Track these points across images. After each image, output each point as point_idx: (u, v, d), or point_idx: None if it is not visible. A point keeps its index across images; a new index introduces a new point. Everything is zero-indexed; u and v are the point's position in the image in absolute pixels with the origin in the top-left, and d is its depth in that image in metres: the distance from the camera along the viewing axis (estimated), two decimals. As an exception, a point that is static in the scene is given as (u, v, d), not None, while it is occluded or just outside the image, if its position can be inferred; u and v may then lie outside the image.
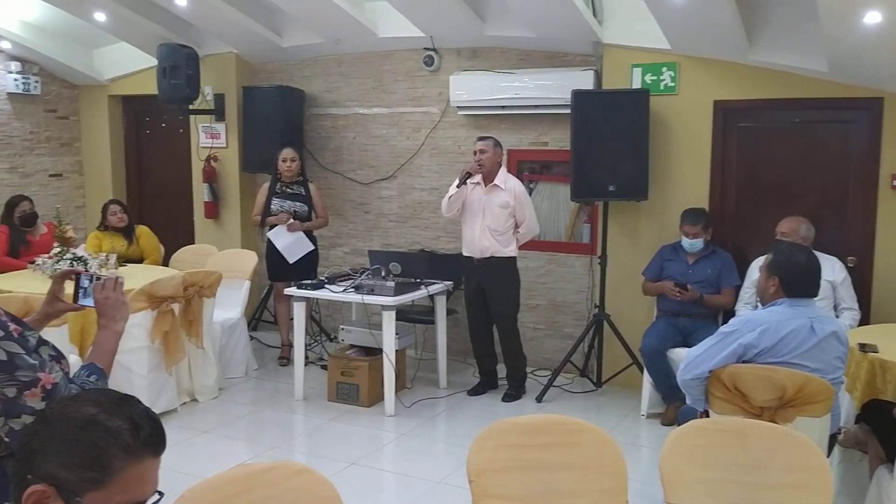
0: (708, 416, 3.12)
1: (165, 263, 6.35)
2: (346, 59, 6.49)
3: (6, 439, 1.60)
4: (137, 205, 7.52)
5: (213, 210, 7.01)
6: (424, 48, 6.05)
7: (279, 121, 6.37)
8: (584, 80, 5.39)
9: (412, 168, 6.35)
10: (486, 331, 5.39)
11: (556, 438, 2.38)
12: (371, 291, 4.99)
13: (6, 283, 4.99)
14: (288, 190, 5.84)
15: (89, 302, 1.94)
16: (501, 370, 5.49)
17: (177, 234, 7.07)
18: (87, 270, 2.01)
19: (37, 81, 7.21)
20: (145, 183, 7.85)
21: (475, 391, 5.40)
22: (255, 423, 5.01)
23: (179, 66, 6.21)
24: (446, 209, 5.21)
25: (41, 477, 1.18)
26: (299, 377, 5.27)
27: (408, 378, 5.56)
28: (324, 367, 5.71)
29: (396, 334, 4.99)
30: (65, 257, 5.31)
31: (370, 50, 6.30)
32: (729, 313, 4.86)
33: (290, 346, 6.04)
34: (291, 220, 5.74)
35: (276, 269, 5.90)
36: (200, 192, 7.04)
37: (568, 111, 5.27)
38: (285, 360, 6.07)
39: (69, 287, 2.00)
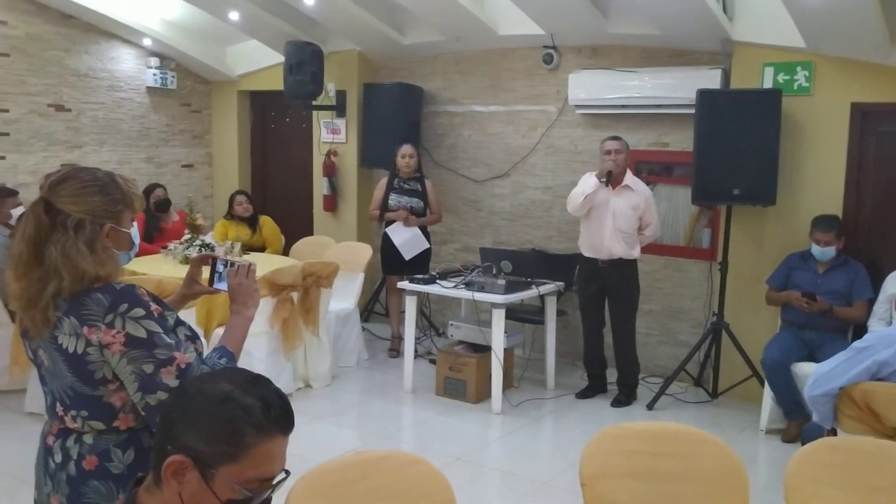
0: (835, 434, 2.95)
1: (285, 253, 6.60)
2: (465, 56, 6.53)
3: (143, 413, 1.70)
4: (260, 196, 7.83)
5: (331, 203, 7.22)
6: (544, 46, 6.00)
7: (398, 117, 6.49)
8: (711, 78, 5.20)
9: (526, 166, 6.32)
10: (600, 335, 5.29)
11: (674, 448, 2.30)
12: (481, 289, 4.99)
13: (140, 267, 5.30)
14: (405, 186, 5.93)
15: (223, 286, 2.02)
16: (611, 375, 5.38)
17: (296, 226, 7.32)
18: (222, 256, 2.10)
19: (173, 77, 7.63)
20: (269, 175, 8.17)
21: (583, 394, 5.32)
22: (365, 412, 5.12)
23: (305, 62, 6.43)
24: (578, 208, 5.01)
25: (180, 448, 1.24)
26: (408, 370, 5.35)
27: (515, 377, 5.54)
28: (432, 362, 5.78)
29: (505, 333, 4.98)
30: (194, 243, 5.59)
31: (489, 48, 6.31)
32: (860, 328, 4.58)
33: (401, 338, 6.14)
34: (409, 216, 5.83)
35: (390, 262, 6.01)
36: (320, 186, 7.26)
37: (691, 111, 5.10)
38: (395, 352, 6.18)
39: (206, 271, 2.09)
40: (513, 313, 5.50)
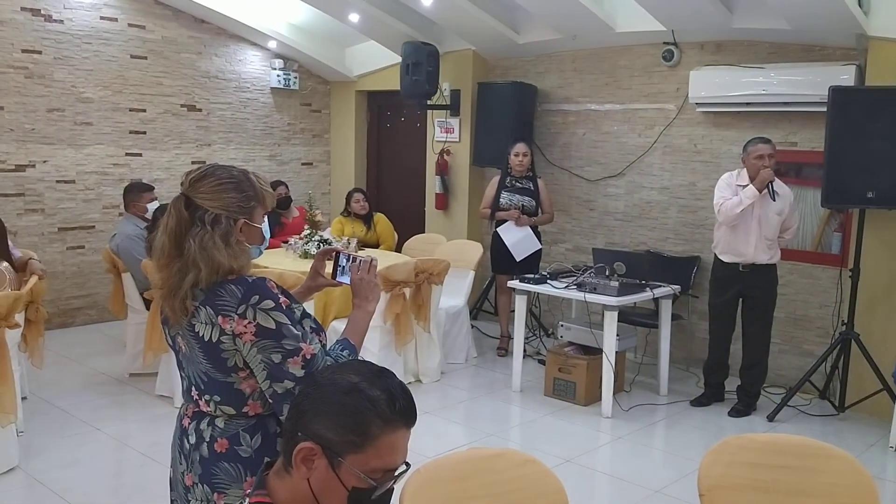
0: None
1: (398, 250, 6.73)
2: (581, 54, 6.45)
3: (270, 400, 1.77)
4: (375, 193, 8.01)
5: (443, 201, 7.30)
6: (664, 42, 5.84)
7: (511, 116, 6.49)
8: (844, 75, 4.92)
9: (642, 166, 6.18)
10: (729, 341, 5.10)
11: (799, 461, 2.19)
12: (594, 290, 4.92)
13: (262, 260, 5.52)
14: (517, 184, 5.92)
15: (346, 279, 2.08)
16: (729, 383, 5.18)
17: (408, 223, 7.45)
18: (345, 250, 2.16)
19: (295, 77, 7.92)
20: (383, 173, 8.35)
21: (699, 402, 5.15)
22: (473, 409, 5.15)
23: (421, 62, 6.53)
24: (731, 218, 4.76)
25: (309, 435, 1.29)
26: (517, 369, 5.34)
27: (626, 381, 5.43)
28: (541, 362, 5.75)
29: (617, 335, 4.89)
30: (313, 239, 5.79)
31: (606, 45, 6.20)
32: None
33: (509, 337, 6.14)
34: (520, 215, 5.82)
35: (501, 261, 6.01)
36: (433, 184, 7.35)
37: (821, 109, 4.84)
38: (503, 350, 6.18)
39: (329, 265, 2.16)
40: (625, 316, 5.38)
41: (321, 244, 5.75)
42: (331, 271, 2.11)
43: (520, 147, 5.88)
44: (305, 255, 5.71)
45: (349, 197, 6.71)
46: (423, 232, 7.34)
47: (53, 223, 6.46)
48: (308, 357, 1.74)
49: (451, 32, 6.84)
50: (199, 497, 1.82)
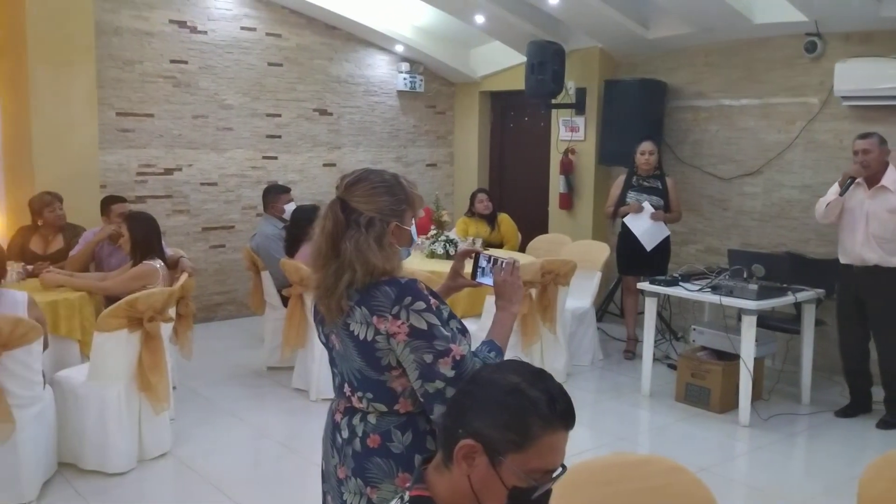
0: None
1: (521, 250, 6.72)
2: (715, 48, 6.22)
3: (421, 399, 1.82)
4: (498, 194, 8.03)
5: (567, 201, 7.23)
6: (806, 33, 5.55)
7: (639, 114, 6.35)
8: None
9: (781, 163, 5.89)
10: (860, 347, 4.81)
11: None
12: (730, 293, 4.73)
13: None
14: (644, 183, 5.78)
15: (486, 280, 2.10)
16: (877, 392, 4.87)
17: (532, 223, 7.43)
18: (485, 251, 2.17)
19: (421, 80, 8.06)
20: (506, 173, 8.36)
21: (844, 413, 4.86)
22: (600, 413, 5.07)
23: (546, 62, 6.49)
24: (823, 216, 4.71)
25: (471, 433, 1.31)
26: (647, 372, 5.22)
27: (764, 389, 5.20)
28: (670, 366, 5.59)
29: (756, 341, 4.69)
30: (439, 239, 5.88)
31: (742, 37, 5.96)
32: None
33: (636, 340, 6.01)
34: (641, 207, 5.67)
35: (628, 261, 5.89)
36: (556, 184, 7.30)
37: None
38: (630, 353, 6.06)
39: (468, 265, 2.18)
40: (762, 321, 5.15)
41: (447, 244, 5.82)
42: (470, 272, 2.13)
43: (646, 145, 5.74)
44: (432, 254, 5.80)
45: (473, 197, 6.76)
46: (547, 232, 7.30)
47: (197, 223, 6.86)
48: (458, 358, 1.77)
49: (577, 30, 6.76)
50: (352, 490, 1.88)
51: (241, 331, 6.76)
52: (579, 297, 5.84)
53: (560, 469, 1.35)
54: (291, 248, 5.20)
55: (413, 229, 1.96)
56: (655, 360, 5.62)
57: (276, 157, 7.26)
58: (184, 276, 4.54)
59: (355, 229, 1.83)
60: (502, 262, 2.06)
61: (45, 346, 3.63)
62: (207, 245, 6.93)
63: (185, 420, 4.60)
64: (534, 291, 5.21)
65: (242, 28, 6.90)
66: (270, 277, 5.59)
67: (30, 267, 4.61)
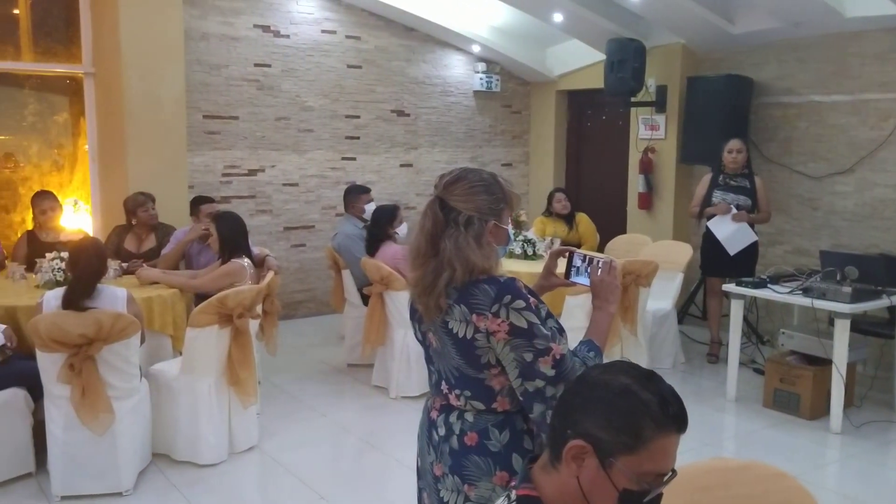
0: None
1: (600, 250, 6.63)
2: (803, 43, 6.01)
3: (520, 398, 1.81)
4: (574, 193, 7.94)
5: (646, 201, 7.11)
6: (903, 26, 5.32)
7: (723, 111, 6.19)
8: None
9: (874, 161, 5.66)
10: None
11: None
12: (822, 296, 4.57)
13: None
14: (731, 182, 5.62)
15: (581, 280, 2.09)
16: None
17: (609, 223, 7.32)
18: (578, 250, 2.15)
19: (497, 80, 8.05)
20: (582, 173, 8.28)
21: (944, 422, 4.64)
22: (683, 417, 4.96)
23: (627, 59, 6.39)
24: None
25: (580, 433, 1.30)
26: (732, 377, 5.08)
27: (856, 395, 5.00)
28: (757, 371, 5.44)
29: (848, 345, 4.51)
30: (517, 238, 5.86)
31: (833, 31, 5.74)
32: None
33: (720, 343, 5.87)
34: (729, 208, 5.52)
35: (712, 262, 5.74)
36: (635, 183, 7.18)
37: None
38: (714, 357, 5.91)
39: (561, 264, 2.17)
40: (854, 324, 4.94)
41: (525, 244, 5.80)
42: (563, 271, 2.12)
43: (734, 143, 5.58)
44: (510, 254, 5.79)
45: (551, 197, 6.71)
46: (625, 232, 7.19)
47: (279, 223, 7.02)
48: (558, 357, 1.76)
49: (658, 26, 6.64)
50: (449, 487, 1.89)
51: (320, 328, 6.89)
52: (661, 298, 5.73)
53: (671, 473, 1.33)
54: (372, 247, 5.26)
55: (510, 228, 1.96)
56: (740, 364, 5.47)
57: (354, 158, 7.37)
58: (270, 275, 4.66)
59: (454, 228, 1.84)
60: (598, 262, 2.05)
61: (142, 341, 3.77)
62: (289, 244, 7.09)
63: (270, 415, 4.72)
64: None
65: (323, 31, 7.03)
66: (351, 276, 5.67)
67: (125, 264, 4.80)
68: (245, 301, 4.04)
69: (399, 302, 5.03)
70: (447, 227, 1.85)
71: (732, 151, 5.56)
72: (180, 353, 4.35)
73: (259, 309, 4.34)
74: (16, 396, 3.73)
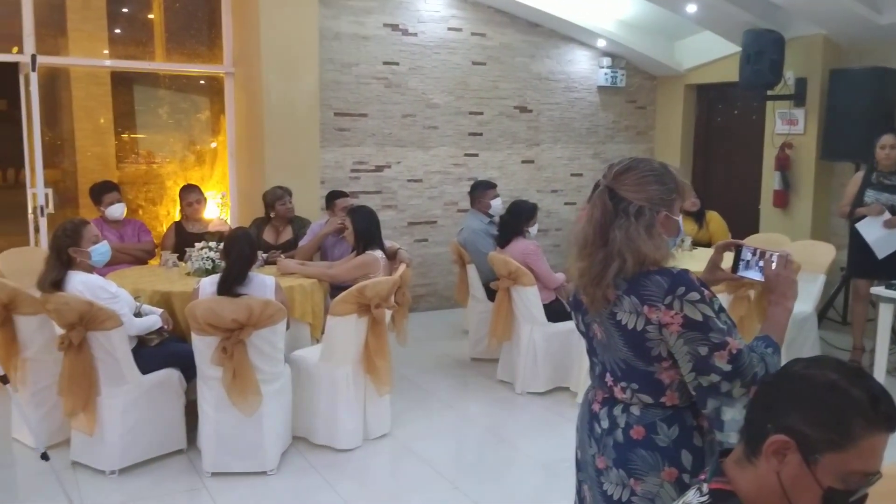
0: None
1: (732, 249, 6.39)
2: (964, 30, 5.60)
3: (693, 392, 1.77)
4: (702, 190, 7.70)
5: (782, 199, 6.80)
6: None
7: (870, 105, 5.85)
8: None
9: None
10: None
11: None
12: None
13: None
14: (885, 181, 5.28)
15: (751, 275, 2.01)
16: None
17: (739, 221, 7.04)
18: (748, 244, 2.08)
19: (622, 74, 7.91)
20: (711, 169, 8.01)
21: None
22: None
23: (764, 51, 6.14)
24: None
25: (782, 428, 1.26)
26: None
27: None
28: (905, 379, 5.11)
29: None
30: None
31: None
32: None
33: (863, 349, 5.56)
34: (883, 210, 5.20)
35: (860, 264, 5.42)
36: (770, 180, 6.89)
37: None
38: (856, 363, 5.58)
39: (728, 259, 2.10)
40: None
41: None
42: (731, 265, 2.05)
43: (887, 139, 5.25)
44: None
45: (680, 194, 6.52)
46: (757, 231, 6.90)
47: (404, 218, 7.16)
48: (734, 352, 1.71)
49: (798, 17, 6.33)
50: (613, 480, 1.87)
51: (442, 322, 6.97)
52: (800, 301, 5.45)
53: (877, 476, 1.27)
54: (503, 240, 5.27)
55: (680, 219, 1.92)
56: (887, 372, 5.16)
57: (476, 155, 7.41)
58: (402, 267, 4.75)
59: (624, 218, 1.82)
60: (772, 255, 1.97)
61: (288, 327, 3.93)
62: (412, 239, 7.21)
63: (400, 404, 4.81)
64: (752, 293, 4.94)
65: (449, 29, 7.10)
66: (476, 270, 5.71)
67: (265, 255, 5.02)
68: (382, 292, 4.15)
69: (526, 297, 5.03)
70: (617, 218, 1.83)
71: (885, 147, 5.23)
72: (318, 341, 4.51)
73: (392, 300, 4.43)
74: (171, 376, 3.97)
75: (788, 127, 6.69)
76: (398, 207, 7.11)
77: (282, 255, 4.98)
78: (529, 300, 5.04)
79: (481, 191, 5.91)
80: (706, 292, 1.76)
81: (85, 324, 3.60)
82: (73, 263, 3.79)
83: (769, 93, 6.47)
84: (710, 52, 7.36)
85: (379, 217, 4.72)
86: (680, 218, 1.91)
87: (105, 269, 4.27)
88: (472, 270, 5.78)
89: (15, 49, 5.92)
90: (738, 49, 6.39)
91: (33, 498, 3.62)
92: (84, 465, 3.87)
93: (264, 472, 3.83)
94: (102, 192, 5.26)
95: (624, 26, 7.52)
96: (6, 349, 3.97)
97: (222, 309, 3.60)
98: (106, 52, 7.11)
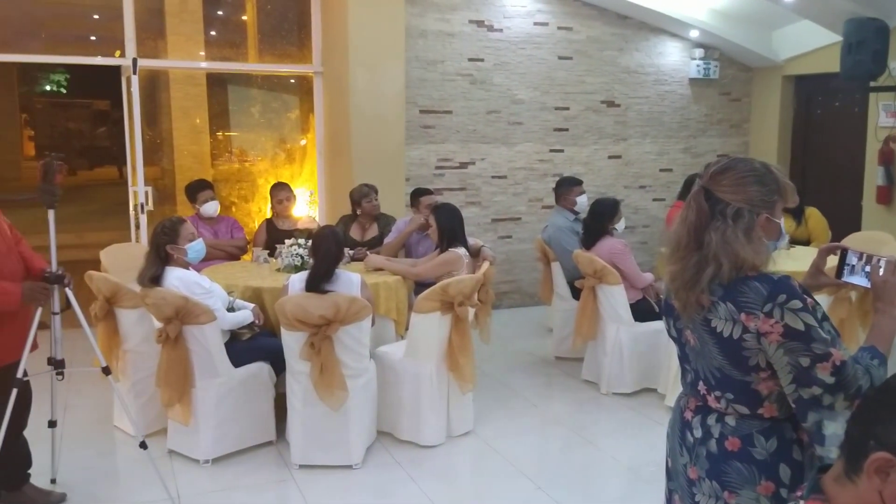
0: None
1: (831, 248, 6.10)
2: None
3: (793, 405, 1.68)
4: (800, 185, 7.31)
5: (886, 195, 6.45)
6: None
7: None
8: None
9: None
10: None
11: None
12: None
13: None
14: None
15: (856, 280, 1.90)
16: None
17: (840, 218, 6.71)
18: (851, 247, 1.96)
19: (716, 66, 7.65)
20: (809, 163, 7.66)
21: None
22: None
23: (867, 40, 5.83)
24: None
25: (886, 445, 1.19)
26: None
27: None
28: None
29: None
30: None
31: None
32: None
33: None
34: None
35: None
36: (873, 175, 6.54)
37: None
38: (969, 371, 5.24)
39: (832, 263, 1.99)
40: None
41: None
42: (835, 269, 1.95)
43: None
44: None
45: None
46: (859, 229, 6.56)
47: (487, 214, 7.14)
48: (838, 364, 1.62)
49: (906, 2, 5.98)
50: (706, 492, 1.81)
51: (525, 319, 6.93)
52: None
53: None
54: (589, 241, 5.19)
55: (782, 222, 1.83)
56: None
57: (562, 150, 7.32)
58: (485, 265, 4.74)
59: (721, 220, 1.74)
60: (879, 260, 1.86)
61: (373, 323, 3.98)
62: (496, 236, 7.18)
63: (483, 402, 4.80)
64: (853, 295, 4.70)
65: (535, 24, 7.03)
66: (560, 268, 5.64)
67: (351, 252, 5.09)
68: (465, 290, 4.14)
69: (612, 297, 4.93)
70: (713, 220, 1.75)
71: None
72: (402, 338, 4.55)
73: (475, 297, 4.43)
74: (261, 370, 4.08)
75: (893, 120, 6.34)
76: (482, 204, 7.10)
77: (368, 252, 5.05)
78: (615, 299, 4.94)
79: (566, 187, 5.83)
80: (809, 300, 1.67)
81: (181, 318, 3.74)
82: (171, 260, 3.94)
83: (872, 84, 6.13)
84: (809, 42, 7.04)
85: (463, 214, 4.72)
86: (782, 221, 1.82)
87: (200, 265, 4.42)
88: (556, 268, 5.71)
89: (118, 53, 6.21)
90: (839, 38, 6.09)
91: (132, 484, 3.79)
92: (179, 454, 4.02)
93: (350, 466, 3.89)
94: (197, 190, 5.46)
95: (717, 16, 7.27)
96: (108, 341, 4.17)
97: (310, 305, 3.67)
98: (202, 53, 7.37)
